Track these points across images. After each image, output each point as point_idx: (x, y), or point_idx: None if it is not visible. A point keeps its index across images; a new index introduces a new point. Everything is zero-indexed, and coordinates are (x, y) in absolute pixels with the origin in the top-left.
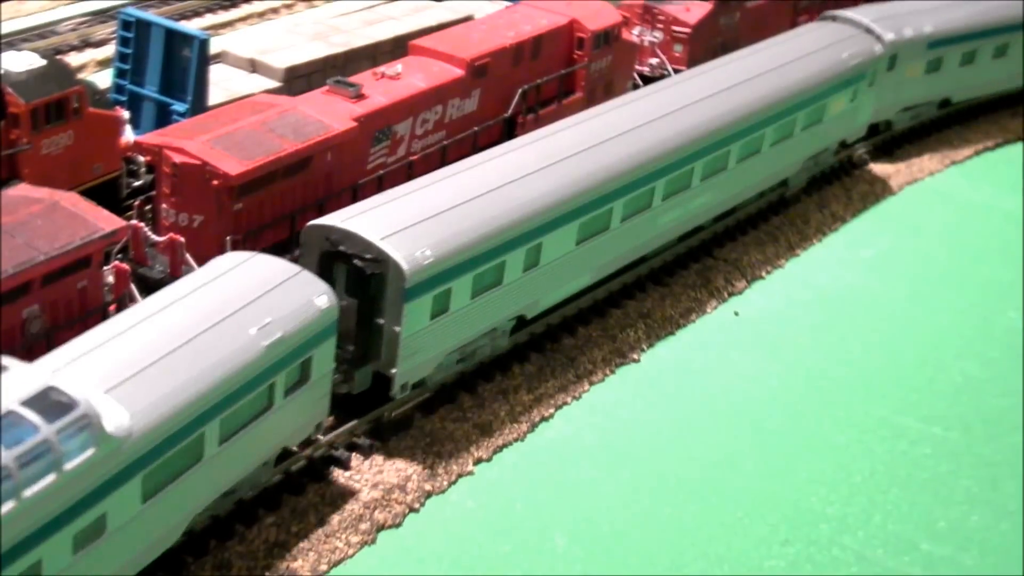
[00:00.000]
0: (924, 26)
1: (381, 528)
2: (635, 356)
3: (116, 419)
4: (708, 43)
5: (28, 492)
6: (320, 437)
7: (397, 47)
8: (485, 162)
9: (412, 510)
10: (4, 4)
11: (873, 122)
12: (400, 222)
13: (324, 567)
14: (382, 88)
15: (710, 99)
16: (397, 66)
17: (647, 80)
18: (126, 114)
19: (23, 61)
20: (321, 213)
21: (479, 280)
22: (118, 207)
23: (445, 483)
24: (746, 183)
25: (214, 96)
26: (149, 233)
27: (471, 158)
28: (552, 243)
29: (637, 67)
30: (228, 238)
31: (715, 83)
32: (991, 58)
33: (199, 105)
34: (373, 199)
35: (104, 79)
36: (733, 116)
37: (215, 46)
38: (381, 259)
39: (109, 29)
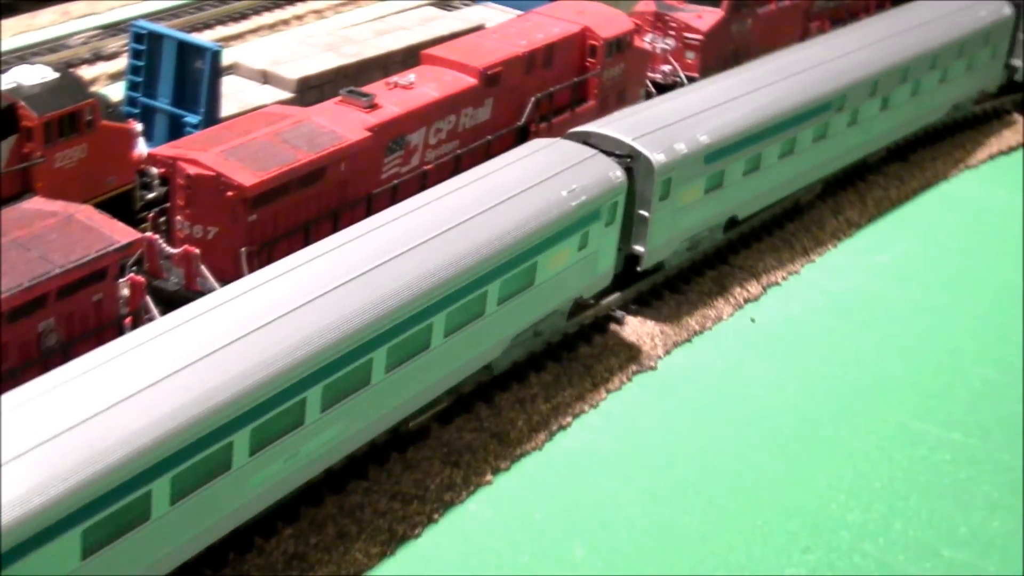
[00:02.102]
0: (699, 136)
1: (400, 539)
2: (651, 363)
3: None
4: (720, 50)
5: None
6: None
7: (409, 57)
8: None
9: (431, 520)
10: (15, 19)
11: (646, 267)
12: None
13: None
14: (395, 98)
15: (339, 290)
16: (410, 76)
17: (660, 88)
18: (139, 127)
19: (36, 74)
20: (335, 223)
21: None
22: (132, 220)
23: (463, 493)
24: (409, 393)
25: (226, 108)
26: (164, 245)
27: None
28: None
29: (650, 74)
30: (243, 249)
31: (356, 263)
32: (778, 159)
33: (211, 117)
34: None
35: (116, 92)
36: (376, 311)
37: (226, 58)
38: None
39: (120, 42)
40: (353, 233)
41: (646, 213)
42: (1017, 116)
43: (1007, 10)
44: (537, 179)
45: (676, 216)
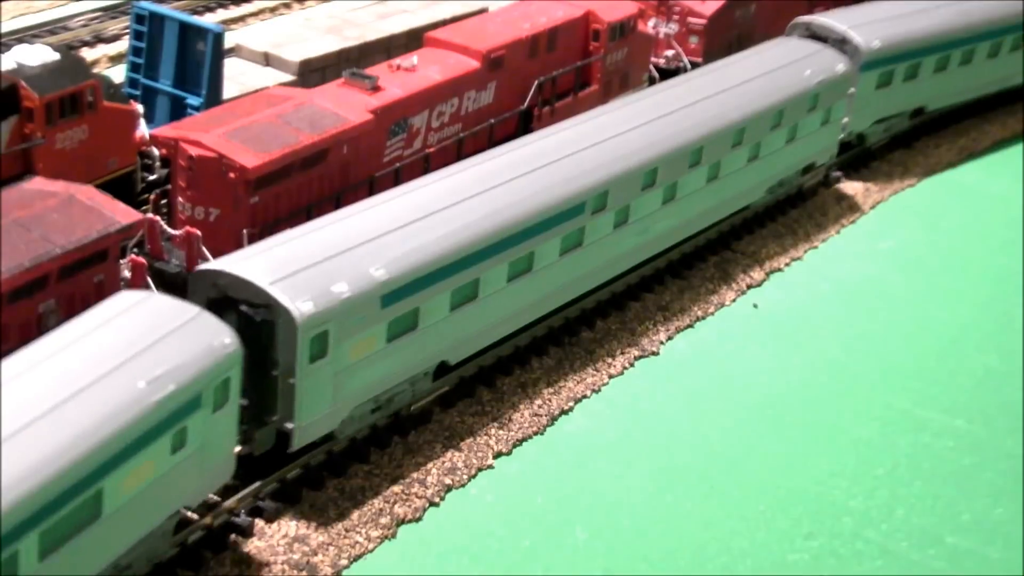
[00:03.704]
0: (373, 270)
1: (401, 522)
2: (654, 349)
3: None
4: (723, 35)
5: None
6: None
7: (411, 40)
8: None
9: (432, 504)
10: (14, 0)
11: (300, 446)
12: None
13: (344, 562)
14: (398, 80)
15: None
16: (413, 58)
17: (664, 73)
18: (140, 108)
19: (37, 55)
20: (338, 206)
21: None
22: (133, 201)
23: (465, 477)
24: None
25: (228, 90)
26: (165, 227)
27: None
28: None
29: (653, 59)
30: (245, 231)
31: None
32: (506, 283)
33: (214, 99)
34: None
35: (116, 74)
36: None
37: (228, 40)
38: None
39: (121, 24)
40: None
41: (293, 380)
42: (1021, 104)
43: (842, 66)
44: (103, 368)
45: (343, 377)
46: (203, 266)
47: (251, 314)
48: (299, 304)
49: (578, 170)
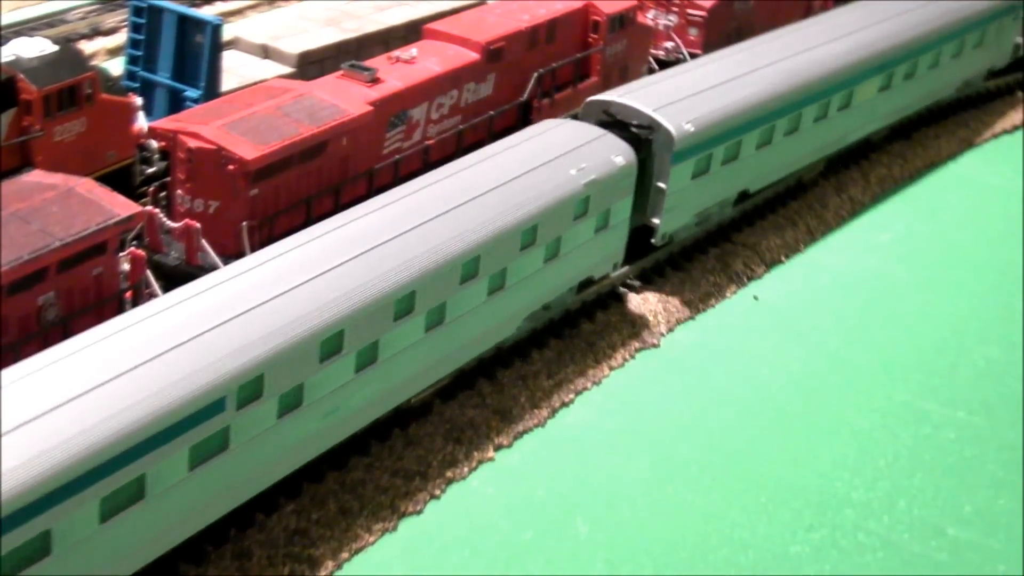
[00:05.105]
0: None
1: (402, 515)
2: (654, 341)
3: None
4: (723, 27)
5: None
6: None
7: (410, 32)
8: None
9: (433, 497)
10: None
11: None
12: None
13: (345, 555)
14: (397, 72)
15: None
16: (412, 50)
17: (663, 64)
18: (139, 100)
19: (35, 47)
20: (337, 198)
21: None
22: (132, 194)
23: (466, 470)
24: None
25: (226, 83)
26: (164, 219)
27: None
28: None
29: (652, 51)
30: (244, 223)
31: None
32: (98, 524)
33: (212, 91)
34: None
35: (115, 67)
36: None
37: (227, 33)
38: None
39: (119, 17)
40: None
41: None
42: (1021, 95)
43: (620, 159)
44: None
45: None
46: None
47: None
48: None
49: (208, 358)
